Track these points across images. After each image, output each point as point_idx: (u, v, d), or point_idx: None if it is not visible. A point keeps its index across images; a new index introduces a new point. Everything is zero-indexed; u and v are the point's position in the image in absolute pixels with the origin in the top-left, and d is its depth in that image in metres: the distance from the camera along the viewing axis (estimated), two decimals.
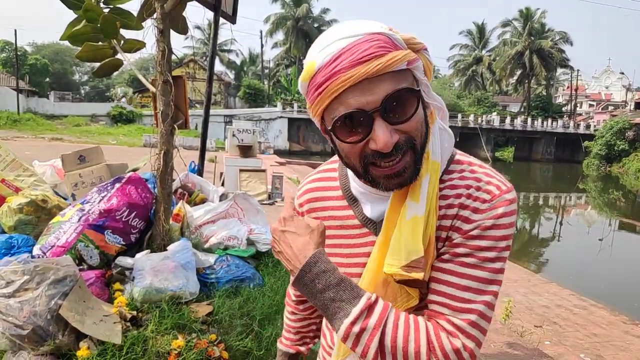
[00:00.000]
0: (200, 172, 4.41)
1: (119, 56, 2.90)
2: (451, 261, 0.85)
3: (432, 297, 0.86)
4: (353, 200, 0.96)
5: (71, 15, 2.87)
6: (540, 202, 21.01)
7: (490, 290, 0.83)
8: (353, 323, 0.78)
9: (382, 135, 0.76)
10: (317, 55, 0.79)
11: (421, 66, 0.82)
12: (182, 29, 3.09)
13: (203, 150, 4.59)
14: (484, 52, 57.60)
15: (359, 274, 0.93)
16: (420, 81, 0.83)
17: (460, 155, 0.94)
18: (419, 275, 0.82)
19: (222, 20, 4.37)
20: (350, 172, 0.95)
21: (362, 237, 0.94)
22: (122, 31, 2.90)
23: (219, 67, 57.08)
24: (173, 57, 2.84)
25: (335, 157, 1.04)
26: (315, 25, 52.57)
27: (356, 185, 0.95)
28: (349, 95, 0.76)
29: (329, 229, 0.97)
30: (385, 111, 0.77)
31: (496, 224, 0.83)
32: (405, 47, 0.80)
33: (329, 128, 0.82)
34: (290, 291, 1.25)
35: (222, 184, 8.91)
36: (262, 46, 52.38)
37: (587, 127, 45.18)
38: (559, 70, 56.84)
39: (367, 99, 0.76)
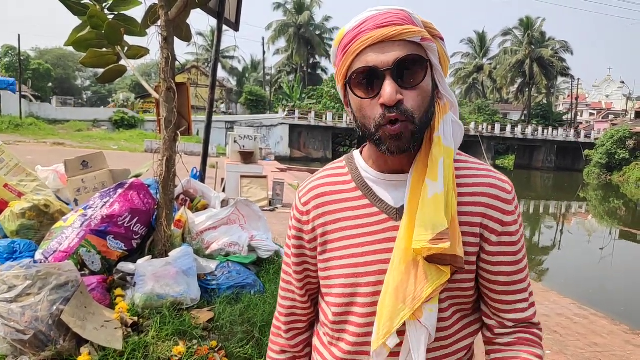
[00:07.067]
0: (202, 178, 4.42)
1: (122, 62, 2.93)
2: (503, 263, 1.01)
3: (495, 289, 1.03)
4: (367, 189, 1.00)
5: (75, 20, 2.90)
6: (541, 210, 20.98)
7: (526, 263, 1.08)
8: None
9: (389, 90, 0.86)
10: (348, 24, 0.93)
11: (436, 50, 0.93)
12: (186, 36, 3.11)
13: (205, 156, 4.59)
14: (484, 60, 57.73)
15: (381, 260, 0.96)
16: (435, 67, 0.94)
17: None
18: (445, 245, 0.88)
19: (225, 27, 4.40)
20: (360, 163, 1.04)
21: (382, 224, 0.98)
22: (126, 38, 2.92)
23: (221, 73, 57.06)
24: (176, 63, 2.86)
25: (336, 160, 1.11)
26: (317, 32, 52.79)
27: (368, 174, 1.01)
28: (368, 53, 0.89)
29: (345, 220, 1.00)
30: (395, 72, 0.87)
31: (519, 214, 1.00)
32: (422, 27, 0.92)
33: (346, 81, 0.93)
34: (280, 322, 1.17)
35: (223, 190, 8.92)
36: (264, 53, 52.66)
37: (587, 136, 45.17)
38: (560, 79, 56.93)
39: (382, 58, 0.88)
